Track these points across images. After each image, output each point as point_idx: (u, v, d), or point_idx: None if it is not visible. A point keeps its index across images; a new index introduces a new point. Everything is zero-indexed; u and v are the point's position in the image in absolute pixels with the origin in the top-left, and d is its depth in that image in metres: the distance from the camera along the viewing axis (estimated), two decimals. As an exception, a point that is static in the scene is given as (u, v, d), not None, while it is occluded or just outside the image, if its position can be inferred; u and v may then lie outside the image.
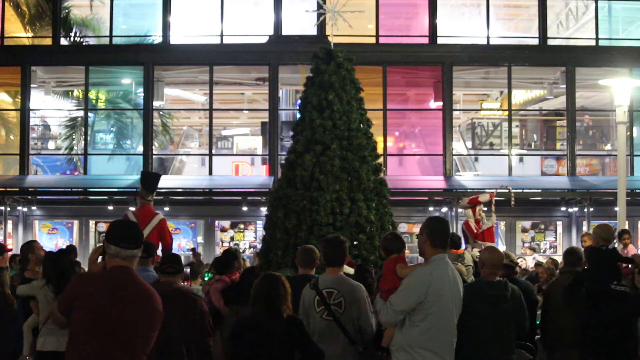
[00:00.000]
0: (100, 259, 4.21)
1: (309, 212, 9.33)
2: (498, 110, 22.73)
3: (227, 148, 23.29)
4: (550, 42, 20.98)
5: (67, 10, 21.08)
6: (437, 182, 19.73)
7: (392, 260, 5.40)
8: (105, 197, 19.41)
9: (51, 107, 22.39)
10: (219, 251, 20.06)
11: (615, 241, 9.91)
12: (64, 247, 11.58)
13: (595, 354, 6.65)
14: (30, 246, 8.08)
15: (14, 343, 7.32)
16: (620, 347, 6.57)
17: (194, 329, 5.66)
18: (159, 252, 8.67)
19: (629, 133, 19.62)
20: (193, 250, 18.58)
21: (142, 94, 20.44)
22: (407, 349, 5.08)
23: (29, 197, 19.89)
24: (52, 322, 4.69)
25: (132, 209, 11.52)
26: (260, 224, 19.57)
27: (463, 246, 10.97)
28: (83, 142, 20.48)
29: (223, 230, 20.81)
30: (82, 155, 20.50)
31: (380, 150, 13.72)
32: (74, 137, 21.11)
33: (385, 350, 5.38)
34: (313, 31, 18.49)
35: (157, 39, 20.65)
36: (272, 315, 5.23)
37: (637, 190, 19.49)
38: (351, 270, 7.44)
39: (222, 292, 7.79)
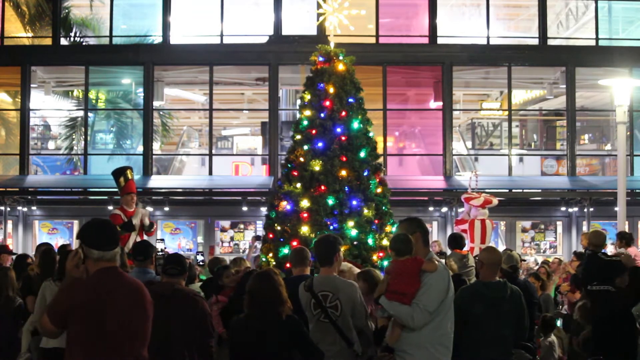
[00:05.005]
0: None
1: (309, 212, 9.34)
2: (498, 110, 22.74)
3: (227, 148, 23.30)
4: (550, 42, 20.98)
5: (67, 10, 21.08)
6: (437, 182, 19.73)
7: (411, 261, 5.17)
8: (105, 197, 19.38)
9: (51, 107, 22.40)
10: (219, 251, 20.07)
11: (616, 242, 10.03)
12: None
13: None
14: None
15: (18, 343, 7.35)
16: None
17: (195, 329, 5.64)
18: None
19: (629, 133, 19.62)
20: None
21: (142, 94, 20.44)
22: (428, 346, 5.07)
23: (29, 197, 19.88)
24: (40, 331, 4.63)
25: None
26: (260, 224, 19.56)
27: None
28: (83, 142, 20.49)
29: (223, 230, 20.82)
30: (82, 155, 20.50)
31: (380, 150, 13.72)
32: (74, 137, 21.11)
33: (389, 350, 5.26)
34: (313, 31, 18.48)
35: (157, 39, 20.64)
36: (270, 315, 5.19)
37: (637, 190, 19.49)
38: (356, 270, 7.42)
39: (222, 314, 7.42)
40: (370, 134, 10.22)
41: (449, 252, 10.21)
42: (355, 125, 9.92)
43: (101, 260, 4.07)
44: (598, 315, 6.90)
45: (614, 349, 6.75)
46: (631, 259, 7.77)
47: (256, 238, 15.19)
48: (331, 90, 9.93)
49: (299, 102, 10.65)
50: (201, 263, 11.75)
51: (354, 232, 9.34)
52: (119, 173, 11.56)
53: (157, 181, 19.90)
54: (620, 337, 6.75)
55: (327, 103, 9.91)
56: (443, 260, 7.65)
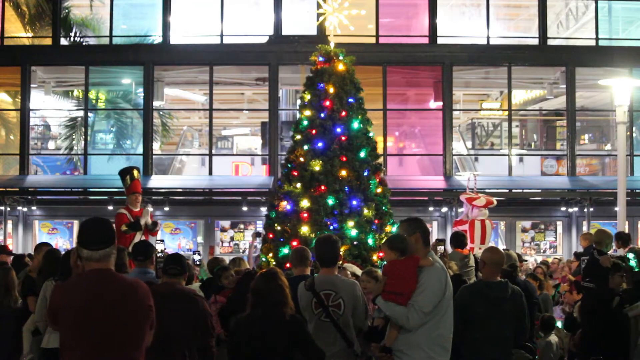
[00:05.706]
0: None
1: (309, 212, 9.34)
2: (498, 110, 22.74)
3: (227, 148, 23.31)
4: (550, 42, 20.98)
5: (67, 10, 21.08)
6: (437, 182, 19.73)
7: (408, 261, 5.13)
8: (105, 197, 19.39)
9: (51, 107, 22.39)
10: (219, 251, 20.06)
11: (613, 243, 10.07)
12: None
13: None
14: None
15: (18, 342, 7.35)
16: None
17: (195, 329, 5.63)
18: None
19: (629, 133, 19.62)
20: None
21: (142, 94, 20.44)
22: (424, 347, 5.05)
23: (29, 197, 19.88)
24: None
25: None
26: (260, 224, 19.56)
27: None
28: (83, 142, 20.49)
29: (223, 230, 20.82)
30: (82, 155, 20.49)
31: (380, 150, 13.74)
32: (74, 137, 21.10)
33: (387, 350, 5.24)
34: (313, 31, 18.48)
35: (157, 39, 20.64)
36: (274, 315, 5.18)
37: (637, 190, 19.50)
38: (359, 271, 7.42)
39: (220, 314, 7.35)
40: (370, 134, 10.23)
41: (450, 250, 10.18)
42: (355, 125, 9.94)
43: (90, 261, 3.93)
44: (583, 309, 7.23)
45: (606, 348, 6.84)
46: (608, 261, 7.92)
47: (257, 235, 15.17)
48: (331, 90, 9.95)
49: (299, 102, 10.66)
50: (197, 262, 11.72)
51: (354, 232, 9.35)
52: (125, 172, 11.58)
53: (157, 181, 19.90)
54: (610, 336, 6.85)
55: (327, 103, 9.92)
56: (442, 247, 7.68)
